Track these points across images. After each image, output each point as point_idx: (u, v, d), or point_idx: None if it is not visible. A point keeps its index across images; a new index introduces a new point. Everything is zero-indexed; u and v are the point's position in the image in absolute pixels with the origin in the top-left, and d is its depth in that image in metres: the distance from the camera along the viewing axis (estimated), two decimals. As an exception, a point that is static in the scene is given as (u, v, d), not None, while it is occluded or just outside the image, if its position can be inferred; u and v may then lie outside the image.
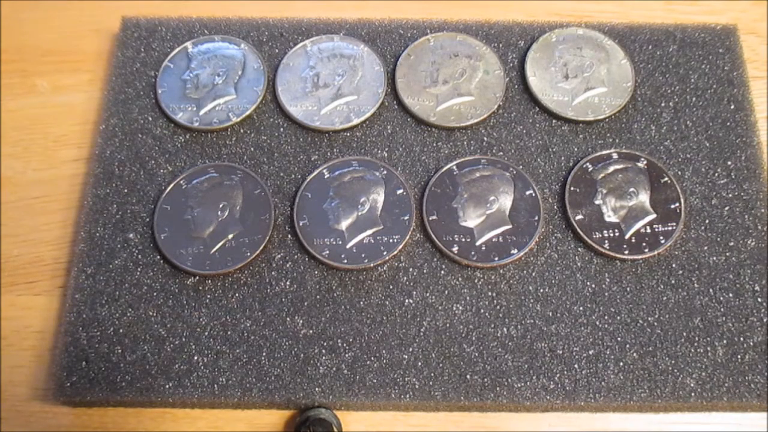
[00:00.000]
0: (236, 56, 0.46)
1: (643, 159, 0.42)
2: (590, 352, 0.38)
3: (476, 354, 0.38)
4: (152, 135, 0.44)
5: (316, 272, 0.40)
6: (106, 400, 0.38)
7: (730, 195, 0.42)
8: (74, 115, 0.46)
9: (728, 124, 0.44)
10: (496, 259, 0.40)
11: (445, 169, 0.42)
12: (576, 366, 0.38)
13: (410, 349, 0.38)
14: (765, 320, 0.39)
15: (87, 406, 0.39)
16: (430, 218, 0.41)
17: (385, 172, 0.42)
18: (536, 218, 0.41)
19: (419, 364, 0.38)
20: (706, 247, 0.41)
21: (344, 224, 0.41)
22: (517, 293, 0.40)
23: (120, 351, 0.38)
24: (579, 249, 0.41)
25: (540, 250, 0.41)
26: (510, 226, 0.41)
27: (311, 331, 0.39)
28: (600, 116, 0.44)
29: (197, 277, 0.40)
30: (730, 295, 0.39)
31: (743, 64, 0.45)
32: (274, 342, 0.38)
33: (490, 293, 0.40)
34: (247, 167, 0.43)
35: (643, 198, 0.41)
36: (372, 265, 0.40)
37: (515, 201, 0.41)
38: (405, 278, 0.40)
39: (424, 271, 0.40)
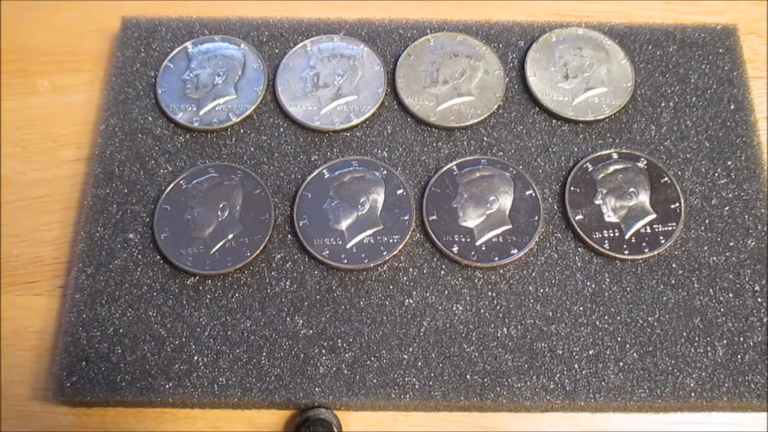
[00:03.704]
0: (236, 56, 0.46)
1: (643, 159, 0.42)
2: (590, 352, 0.38)
3: (476, 354, 0.38)
4: (152, 135, 0.44)
5: (316, 272, 0.40)
6: (106, 400, 0.38)
7: (730, 195, 0.42)
8: (74, 115, 0.46)
9: (728, 124, 0.44)
10: (496, 259, 0.40)
11: (445, 169, 0.42)
12: (576, 366, 0.38)
13: (410, 349, 0.38)
14: (765, 320, 0.39)
15: (87, 406, 0.39)
16: (430, 218, 0.41)
17: (385, 172, 0.42)
18: (536, 218, 0.41)
19: (419, 364, 0.38)
20: (706, 247, 0.41)
21: (344, 224, 0.41)
22: (517, 293, 0.40)
23: (120, 351, 0.38)
24: (579, 249, 0.41)
25: (540, 250, 0.41)
26: (510, 226, 0.41)
27: (311, 331, 0.39)
28: (600, 116, 0.44)
29: (197, 277, 0.40)
30: (730, 295, 0.39)
31: (743, 64, 0.45)
32: (274, 342, 0.38)
33: (490, 293, 0.40)
34: (247, 167, 0.43)
35: (643, 198, 0.41)
36: (372, 265, 0.40)
37: (515, 201, 0.41)
38: (405, 278, 0.40)
39: (424, 271, 0.40)
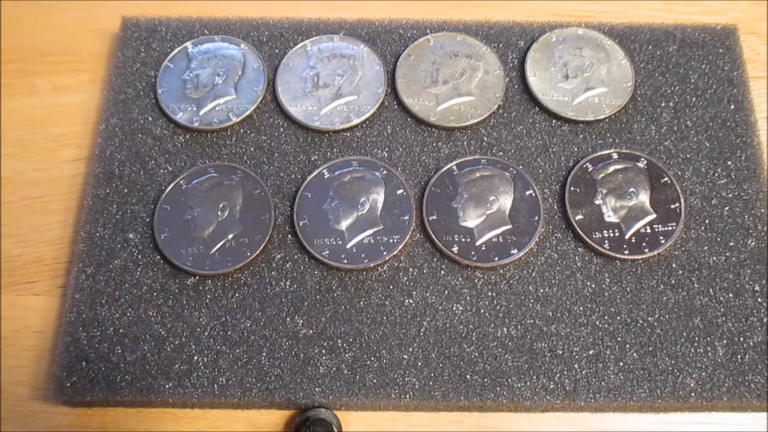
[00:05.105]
0: (236, 56, 0.46)
1: (643, 159, 0.42)
2: (590, 352, 0.38)
3: (476, 354, 0.38)
4: (152, 135, 0.44)
5: (316, 272, 0.40)
6: (106, 400, 0.38)
7: (730, 195, 0.42)
8: (74, 115, 0.46)
9: (728, 124, 0.44)
10: (496, 259, 0.40)
11: (445, 169, 0.42)
12: (576, 366, 0.38)
13: (410, 349, 0.38)
14: (765, 320, 0.39)
15: (87, 406, 0.39)
16: (430, 218, 0.41)
17: (385, 172, 0.42)
18: (536, 218, 0.41)
19: (419, 364, 0.38)
20: (706, 247, 0.41)
21: (344, 224, 0.41)
22: (517, 293, 0.40)
23: (120, 351, 0.38)
24: (579, 249, 0.41)
25: (540, 250, 0.41)
26: (510, 226, 0.41)
27: (311, 331, 0.39)
28: (600, 116, 0.44)
29: (197, 277, 0.40)
30: (730, 295, 0.39)
31: (743, 64, 0.45)
32: (274, 342, 0.38)
33: (490, 293, 0.40)
34: (247, 167, 0.43)
35: (643, 198, 0.41)
36: (372, 265, 0.40)
37: (515, 201, 0.41)
38: (405, 278, 0.40)
39: (424, 271, 0.40)
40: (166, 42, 0.46)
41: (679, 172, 0.43)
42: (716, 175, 0.42)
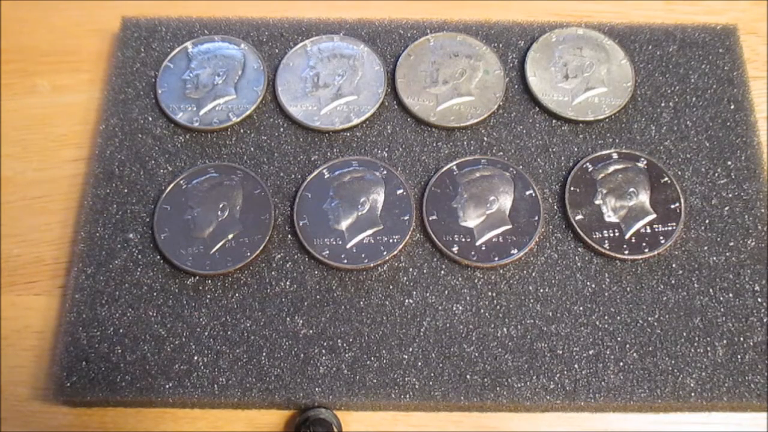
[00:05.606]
0: (236, 56, 0.46)
1: (643, 159, 0.42)
2: (590, 352, 0.38)
3: (476, 354, 0.38)
4: (152, 135, 0.44)
5: (316, 272, 0.40)
6: (106, 400, 0.38)
7: (730, 195, 0.42)
8: (74, 115, 0.46)
9: (728, 124, 0.44)
10: (496, 259, 0.40)
11: (445, 169, 0.42)
12: (576, 366, 0.38)
13: (410, 349, 0.38)
14: (765, 320, 0.39)
15: (87, 406, 0.39)
16: (430, 218, 0.41)
17: (385, 172, 0.42)
18: (536, 218, 0.41)
19: (419, 364, 0.38)
20: (706, 247, 0.41)
21: (344, 224, 0.41)
22: (517, 293, 0.40)
23: (120, 351, 0.38)
24: (579, 249, 0.41)
25: (540, 250, 0.41)
26: (510, 226, 0.41)
27: (311, 331, 0.39)
28: (600, 116, 0.44)
29: (197, 277, 0.40)
30: (730, 295, 0.39)
31: (743, 64, 0.45)
32: (274, 342, 0.38)
33: (490, 293, 0.40)
34: (247, 167, 0.43)
35: (643, 198, 0.41)
36: (372, 265, 0.40)
37: (515, 201, 0.41)
38: (405, 278, 0.40)
39: (424, 271, 0.40)
40: (166, 42, 0.46)
41: (679, 172, 0.43)
42: (716, 175, 0.42)
